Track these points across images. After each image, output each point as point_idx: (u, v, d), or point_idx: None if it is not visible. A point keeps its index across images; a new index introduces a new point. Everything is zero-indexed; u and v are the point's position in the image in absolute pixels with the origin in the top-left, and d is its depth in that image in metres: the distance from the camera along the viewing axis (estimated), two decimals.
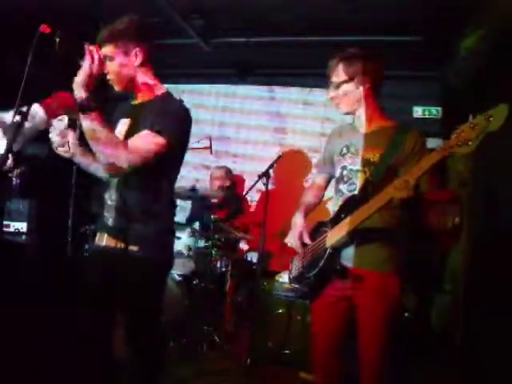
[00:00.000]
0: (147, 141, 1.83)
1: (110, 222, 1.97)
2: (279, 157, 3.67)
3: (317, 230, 2.04)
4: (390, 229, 1.91)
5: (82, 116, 1.72)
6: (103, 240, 2.00)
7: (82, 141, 1.90)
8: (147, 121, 1.87)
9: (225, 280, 4.14)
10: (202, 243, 4.14)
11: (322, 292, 2.00)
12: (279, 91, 5.28)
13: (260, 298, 3.62)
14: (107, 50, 1.89)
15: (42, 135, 1.90)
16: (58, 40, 1.68)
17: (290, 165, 4.84)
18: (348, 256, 1.92)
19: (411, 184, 1.63)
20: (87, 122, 1.73)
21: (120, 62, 1.91)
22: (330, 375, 2.02)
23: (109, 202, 1.98)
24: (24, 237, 4.40)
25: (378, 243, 1.90)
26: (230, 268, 4.11)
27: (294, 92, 5.24)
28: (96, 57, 1.77)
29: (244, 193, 4.03)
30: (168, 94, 2.01)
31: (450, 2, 3.21)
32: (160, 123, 1.84)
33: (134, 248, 1.91)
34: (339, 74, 1.96)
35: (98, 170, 2.05)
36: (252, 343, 3.39)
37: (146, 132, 1.84)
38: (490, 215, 3.30)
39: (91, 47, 1.78)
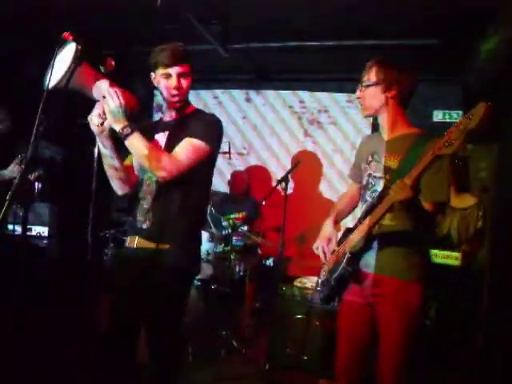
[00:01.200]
0: (191, 148, 1.97)
1: (146, 225, 2.03)
2: (298, 162, 3.66)
3: (344, 236, 2.05)
4: (412, 236, 1.90)
5: (125, 141, 1.90)
6: (134, 242, 2.06)
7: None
8: (188, 131, 2.00)
9: (243, 285, 4.14)
10: (220, 248, 4.15)
11: (341, 296, 2.02)
12: (298, 96, 5.29)
13: (279, 303, 3.61)
14: (185, 68, 2.02)
15: (57, 138, 1.93)
16: (79, 47, 1.72)
17: (305, 168, 4.82)
18: (370, 263, 1.93)
19: (408, 185, 1.68)
20: (130, 144, 1.90)
21: (189, 81, 2.06)
22: (352, 381, 2.01)
23: (145, 206, 2.05)
24: (45, 241, 4.47)
25: (399, 250, 1.90)
26: (248, 273, 4.11)
27: (312, 96, 5.24)
28: (119, 92, 1.88)
29: (262, 198, 4.02)
30: (198, 109, 2.18)
31: (471, 4, 3.18)
32: (201, 132, 1.99)
33: (167, 249, 1.98)
34: (370, 75, 1.97)
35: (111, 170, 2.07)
36: (270, 348, 3.38)
37: (189, 139, 1.98)
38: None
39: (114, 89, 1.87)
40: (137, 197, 2.10)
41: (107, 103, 1.86)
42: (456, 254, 3.15)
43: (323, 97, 5.18)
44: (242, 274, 4.12)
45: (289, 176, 3.58)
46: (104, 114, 1.89)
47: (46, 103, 1.52)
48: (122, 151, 2.03)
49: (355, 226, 1.97)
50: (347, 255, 1.93)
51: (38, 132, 1.50)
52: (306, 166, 4.78)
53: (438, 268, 3.21)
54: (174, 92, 2.01)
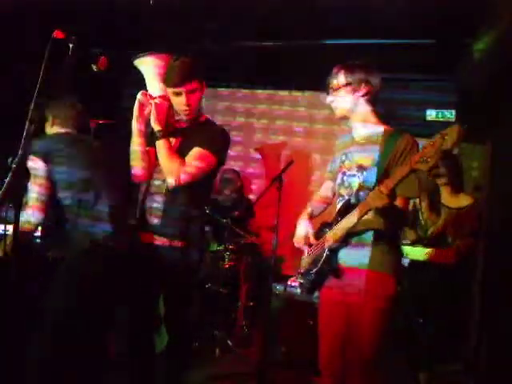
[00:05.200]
0: (200, 159, 2.15)
1: (158, 222, 2.21)
2: (291, 162, 3.64)
3: (321, 231, 2.12)
4: (386, 231, 1.96)
5: (156, 141, 2.15)
6: (145, 238, 2.23)
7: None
8: (197, 140, 2.17)
9: (237, 284, 4.14)
10: (214, 247, 4.14)
11: (321, 288, 2.10)
12: (293, 94, 5.29)
13: (273, 302, 3.61)
14: (194, 84, 2.14)
15: None
16: (71, 46, 1.72)
17: (297, 167, 4.82)
18: (346, 256, 1.99)
19: (384, 194, 1.74)
20: (158, 145, 2.15)
21: (199, 95, 2.21)
22: (335, 375, 2.05)
23: (155, 206, 2.22)
24: (38, 240, 4.43)
25: (373, 244, 1.96)
26: (242, 272, 4.10)
27: (307, 95, 5.24)
28: (157, 101, 2.14)
29: (256, 198, 4.01)
30: (209, 119, 2.35)
31: (464, 3, 3.19)
32: (210, 143, 2.16)
33: (179, 244, 2.18)
34: (338, 79, 2.05)
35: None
36: (264, 347, 3.38)
37: (198, 150, 2.15)
38: (504, 219, 3.26)
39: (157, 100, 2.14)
40: (145, 196, 2.27)
41: (153, 109, 2.13)
42: (450, 252, 3.15)
43: (316, 96, 5.18)
44: (236, 273, 4.12)
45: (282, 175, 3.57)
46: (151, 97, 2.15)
47: (37, 101, 1.51)
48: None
49: (332, 223, 2.03)
50: (326, 252, 2.00)
51: (30, 130, 1.50)
52: (299, 164, 4.79)
53: (433, 266, 3.21)
54: (185, 108, 2.16)
